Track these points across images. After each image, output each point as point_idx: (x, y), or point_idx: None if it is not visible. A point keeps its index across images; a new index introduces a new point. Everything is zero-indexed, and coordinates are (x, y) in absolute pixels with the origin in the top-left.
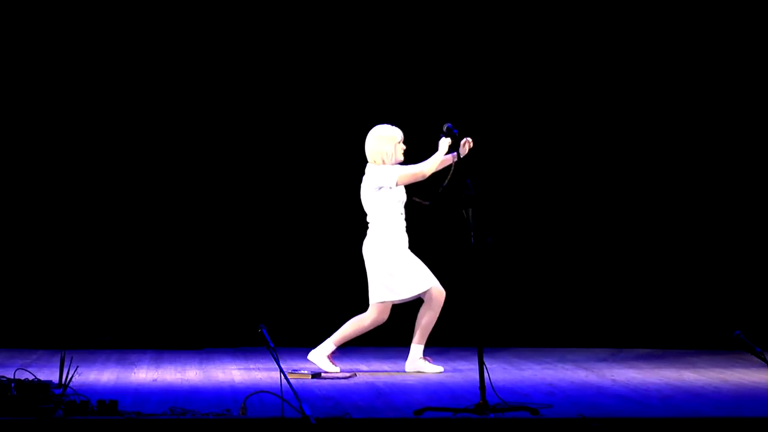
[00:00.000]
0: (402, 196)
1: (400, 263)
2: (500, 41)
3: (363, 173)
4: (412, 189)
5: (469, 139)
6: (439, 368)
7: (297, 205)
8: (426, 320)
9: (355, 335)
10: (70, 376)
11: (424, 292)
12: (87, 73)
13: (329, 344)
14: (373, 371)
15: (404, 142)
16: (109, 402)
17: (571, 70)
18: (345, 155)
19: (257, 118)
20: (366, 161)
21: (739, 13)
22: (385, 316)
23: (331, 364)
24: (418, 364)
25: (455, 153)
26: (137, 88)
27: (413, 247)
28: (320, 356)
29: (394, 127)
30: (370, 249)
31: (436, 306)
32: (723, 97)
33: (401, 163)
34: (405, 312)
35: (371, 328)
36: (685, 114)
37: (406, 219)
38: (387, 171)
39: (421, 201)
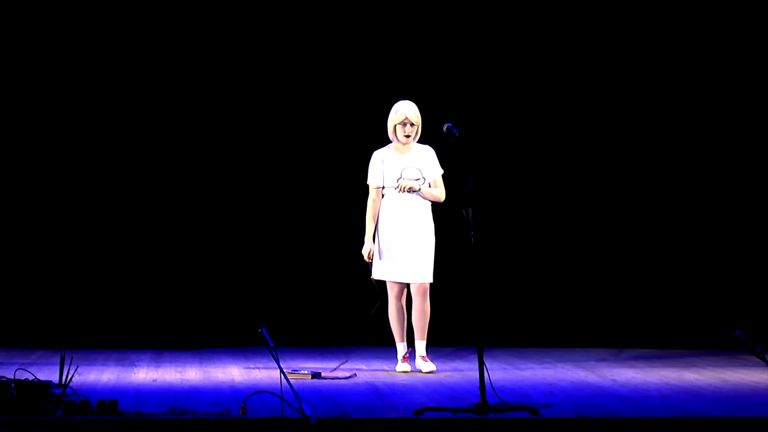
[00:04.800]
0: (395, 173)
1: (380, 243)
2: (500, 41)
3: (361, 173)
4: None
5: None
6: (432, 366)
7: (297, 205)
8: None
9: (401, 323)
10: (70, 376)
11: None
12: (87, 73)
13: (399, 348)
14: (373, 371)
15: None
16: (109, 402)
17: (570, 70)
18: (344, 155)
19: (256, 119)
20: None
21: (739, 13)
22: (394, 290)
23: (426, 363)
24: (417, 362)
25: None
26: (137, 89)
27: None
28: (409, 363)
29: (401, 105)
30: None
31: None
32: (723, 97)
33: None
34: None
35: (401, 304)
36: (685, 114)
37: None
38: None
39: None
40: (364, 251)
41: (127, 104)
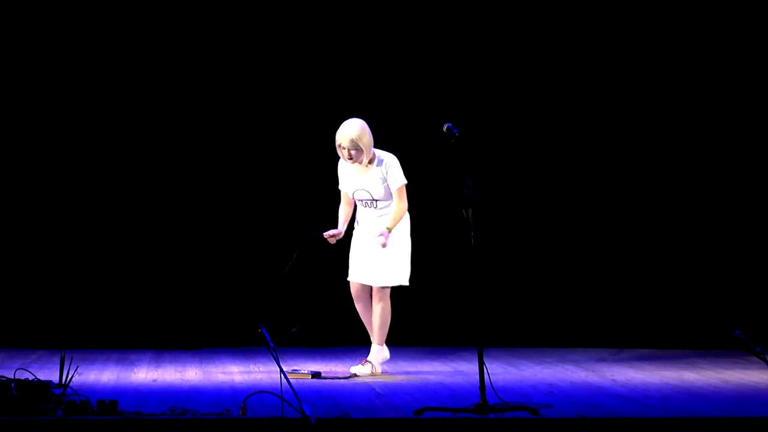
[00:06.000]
0: (350, 191)
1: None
2: (500, 41)
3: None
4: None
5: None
6: (365, 371)
7: (297, 205)
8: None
9: (367, 323)
10: (70, 376)
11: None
12: (87, 73)
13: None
14: None
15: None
16: (109, 402)
17: (570, 70)
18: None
19: (256, 121)
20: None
21: (739, 13)
22: (352, 290)
23: (361, 366)
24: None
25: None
26: (138, 89)
27: (414, 245)
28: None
29: (340, 128)
30: None
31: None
32: (723, 97)
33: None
34: (403, 311)
35: (363, 305)
36: (685, 114)
37: (368, 208)
38: None
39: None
40: (333, 232)
41: (128, 106)
